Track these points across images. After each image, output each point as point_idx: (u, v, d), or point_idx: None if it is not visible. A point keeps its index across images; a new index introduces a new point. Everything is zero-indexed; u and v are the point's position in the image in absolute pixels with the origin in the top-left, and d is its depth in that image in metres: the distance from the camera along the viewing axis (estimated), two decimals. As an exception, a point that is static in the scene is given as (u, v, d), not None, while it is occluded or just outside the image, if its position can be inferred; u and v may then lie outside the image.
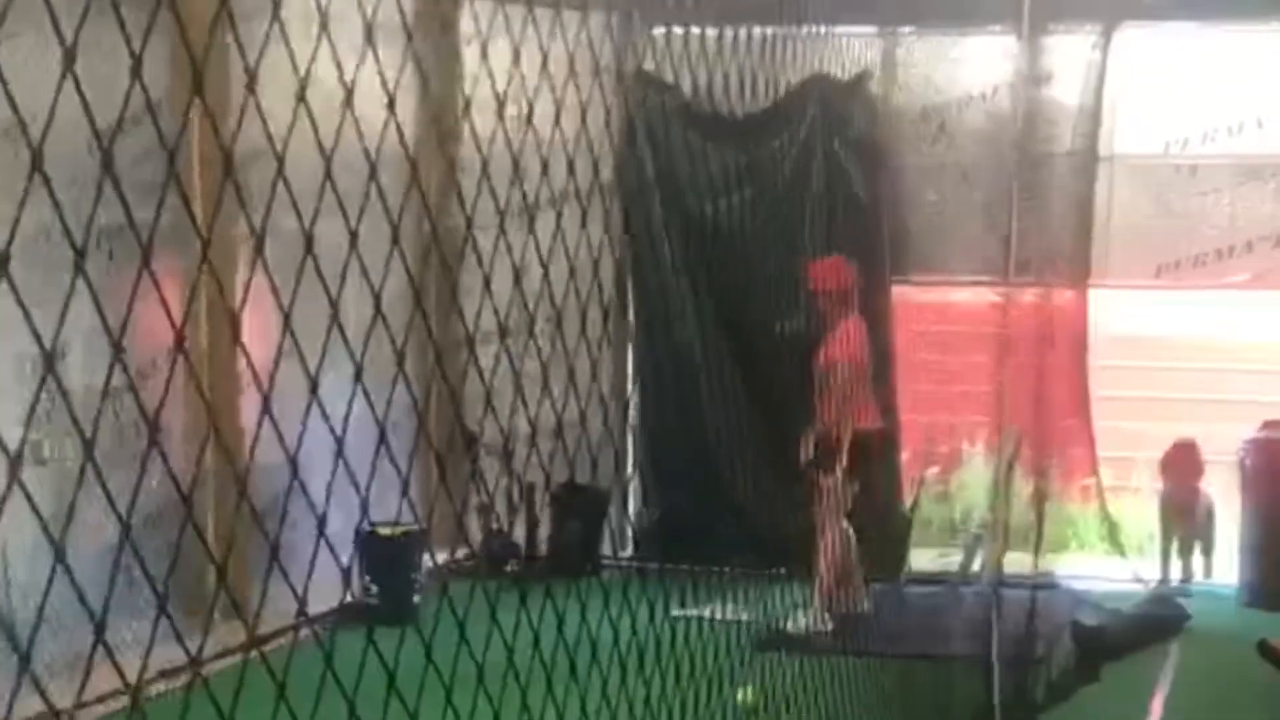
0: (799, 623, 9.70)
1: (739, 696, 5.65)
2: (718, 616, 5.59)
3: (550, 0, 3.57)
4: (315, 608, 3.12)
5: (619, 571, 10.51)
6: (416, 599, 10.01)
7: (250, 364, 2.46)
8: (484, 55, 2.84)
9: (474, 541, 11.40)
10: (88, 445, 2.10)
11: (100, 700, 5.46)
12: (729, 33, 5.59)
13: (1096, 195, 11.91)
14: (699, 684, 4.76)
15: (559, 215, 3.53)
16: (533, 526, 11.67)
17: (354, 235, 2.48)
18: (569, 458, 3.95)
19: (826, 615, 9.94)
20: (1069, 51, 10.32)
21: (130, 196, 2.31)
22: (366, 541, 9.56)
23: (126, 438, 6.89)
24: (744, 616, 6.31)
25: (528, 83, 3.28)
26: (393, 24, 3.03)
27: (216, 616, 7.74)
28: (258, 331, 2.74)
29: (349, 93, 2.53)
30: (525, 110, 3.33)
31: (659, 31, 10.54)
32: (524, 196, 3.16)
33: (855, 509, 10.45)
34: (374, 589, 10.04)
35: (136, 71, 2.00)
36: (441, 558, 10.43)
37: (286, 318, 2.45)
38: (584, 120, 3.57)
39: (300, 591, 2.65)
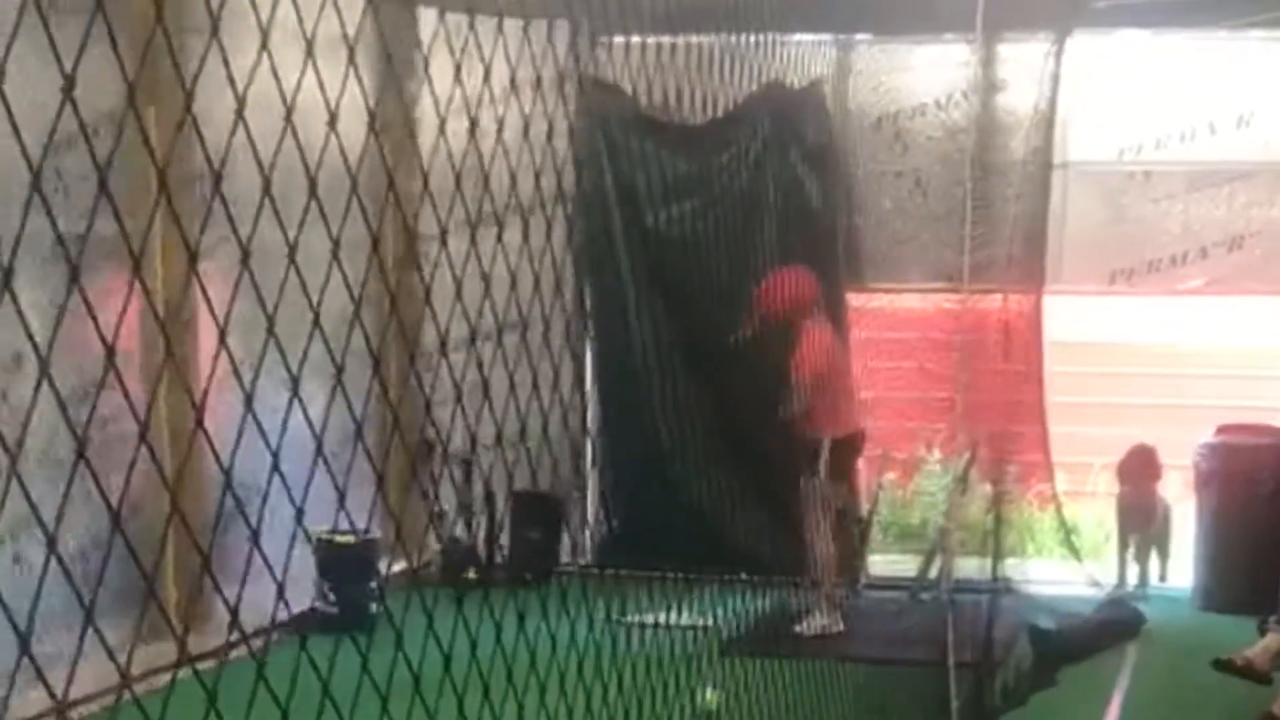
0: (811, 625, 9.89)
1: (700, 699, 5.68)
2: (672, 622, 5.62)
3: (504, 10, 3.60)
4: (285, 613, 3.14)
5: (577, 578, 10.60)
6: (374, 606, 10.00)
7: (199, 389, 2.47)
8: (426, 67, 2.87)
9: (432, 549, 11.41)
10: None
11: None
12: (682, 42, 5.62)
13: (1050, 202, 11.98)
14: (655, 688, 4.79)
15: (500, 226, 3.55)
16: (491, 533, 11.68)
17: (292, 248, 2.50)
18: (530, 465, 3.98)
19: (838, 615, 10.15)
20: (1022, 59, 10.39)
21: (84, 206, 2.33)
22: (323, 549, 9.57)
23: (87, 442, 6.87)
24: (700, 621, 6.35)
25: (483, 93, 3.30)
26: (344, 35, 3.05)
27: (179, 626, 7.71)
28: (212, 337, 2.75)
29: (292, 109, 2.55)
30: (480, 120, 3.36)
31: (613, 41, 10.57)
32: (466, 208, 3.18)
33: (844, 511, 10.57)
34: (331, 596, 10.05)
35: (69, 92, 2.01)
36: (401, 565, 10.43)
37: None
38: (528, 129, 3.60)
39: (235, 602, 2.65)
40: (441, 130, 2.95)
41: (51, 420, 2.41)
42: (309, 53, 2.51)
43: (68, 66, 2.19)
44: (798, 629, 9.74)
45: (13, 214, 7.28)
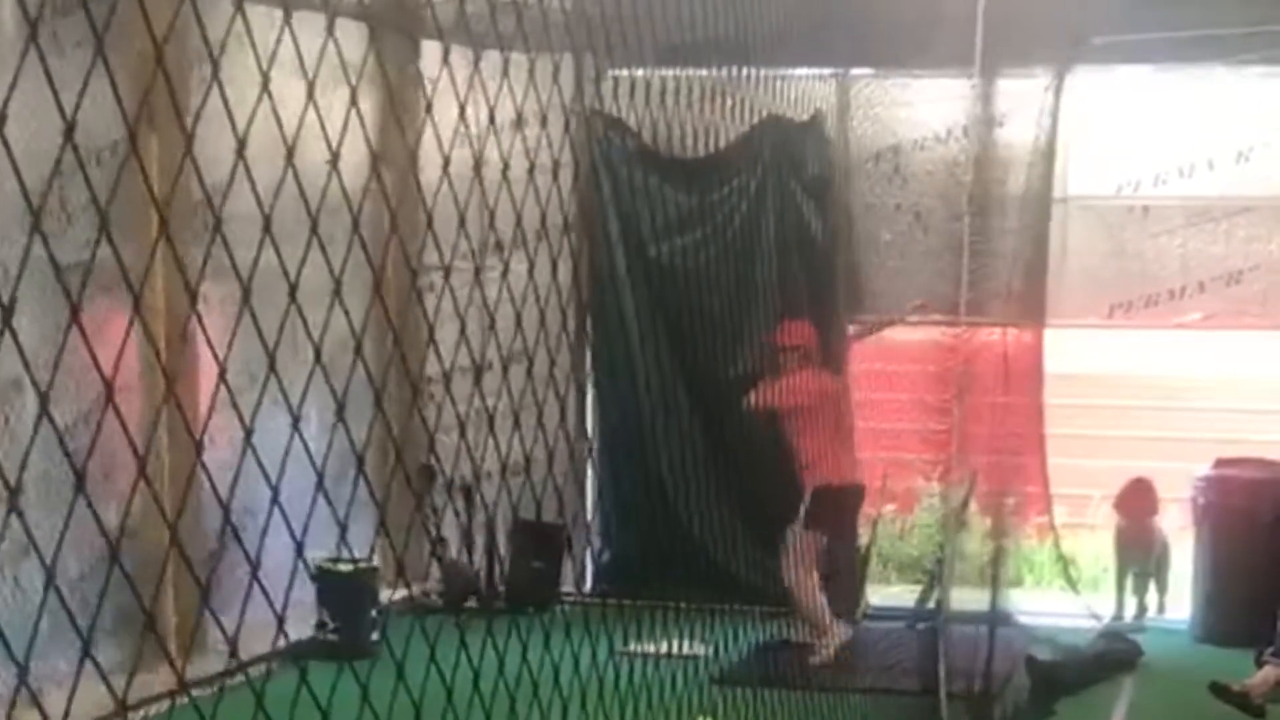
0: (824, 653, 9.95)
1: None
2: (673, 652, 5.65)
3: (506, 44, 3.65)
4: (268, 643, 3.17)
5: (578, 607, 10.62)
6: (374, 634, 10.03)
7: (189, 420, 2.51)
8: (428, 103, 2.91)
9: (433, 577, 11.42)
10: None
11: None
12: (685, 75, 5.68)
13: (1050, 236, 12.03)
14: (653, 717, 4.81)
15: (506, 260, 3.60)
16: (492, 562, 11.70)
17: (291, 281, 2.55)
18: (534, 495, 4.01)
19: (831, 651, 10.17)
20: (1022, 94, 10.44)
21: (87, 234, 2.38)
22: (324, 577, 9.59)
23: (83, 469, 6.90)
24: (697, 651, 6.37)
25: (486, 126, 3.35)
26: (351, 67, 3.10)
27: (174, 653, 7.72)
28: (213, 367, 2.79)
29: (290, 146, 2.60)
30: (484, 153, 3.40)
31: (615, 74, 10.63)
32: (468, 241, 3.22)
33: (828, 563, 10.57)
34: (331, 624, 10.07)
35: (69, 133, 2.05)
36: (401, 594, 10.45)
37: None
38: (530, 164, 3.65)
39: (234, 631, 2.68)
40: (445, 166, 3.00)
41: (47, 443, 2.43)
42: (310, 91, 2.56)
43: (69, 98, 2.23)
44: (813, 660, 9.82)
45: (14, 237, 7.32)
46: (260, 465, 2.55)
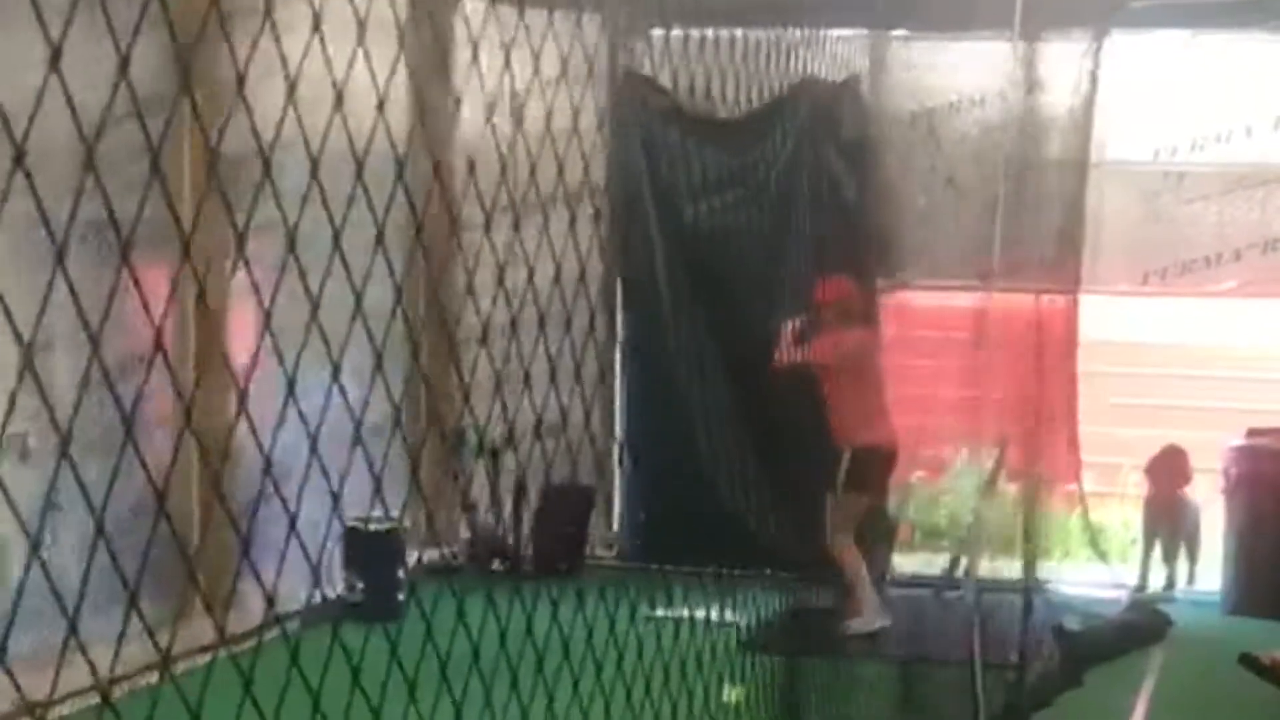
0: (854, 626, 9.86)
1: (725, 695, 5.68)
2: (699, 617, 5.61)
3: (543, 1, 3.59)
4: (298, 601, 3.14)
5: (604, 571, 10.59)
6: (401, 595, 10.00)
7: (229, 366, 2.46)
8: (474, 57, 2.86)
9: (461, 539, 11.41)
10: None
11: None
12: (720, 35, 5.61)
13: (1085, 201, 11.93)
14: (680, 683, 4.78)
15: (546, 217, 3.54)
16: (519, 525, 11.67)
17: (336, 234, 2.50)
18: (571, 455, 3.97)
19: (876, 613, 10.07)
20: (1059, 58, 10.35)
21: (119, 192, 2.32)
22: (351, 537, 9.56)
23: (113, 429, 6.87)
24: (727, 617, 6.34)
25: (519, 84, 3.29)
26: (385, 23, 3.04)
27: (198, 609, 7.71)
28: (246, 325, 2.75)
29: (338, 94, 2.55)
30: (517, 111, 3.35)
31: (651, 34, 10.58)
32: (510, 198, 3.17)
33: (865, 523, 10.50)
34: (359, 585, 10.05)
35: (124, 70, 2.00)
36: (428, 555, 10.44)
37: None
38: (575, 121, 3.59)
39: (272, 587, 2.65)
40: (488, 116, 2.94)
41: (75, 400, 2.39)
42: (360, 39, 2.50)
43: (108, 51, 2.17)
44: (845, 628, 9.72)
45: (48, 193, 7.26)
46: (303, 418, 2.51)
